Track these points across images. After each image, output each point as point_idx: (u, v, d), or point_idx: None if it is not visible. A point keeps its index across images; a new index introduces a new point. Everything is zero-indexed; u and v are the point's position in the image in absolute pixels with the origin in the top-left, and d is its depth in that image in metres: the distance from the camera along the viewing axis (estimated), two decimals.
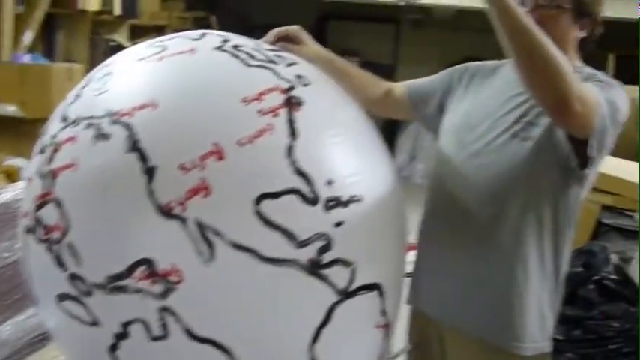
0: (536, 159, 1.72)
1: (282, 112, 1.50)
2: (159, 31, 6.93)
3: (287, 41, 1.84)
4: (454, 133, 1.87)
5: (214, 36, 1.71)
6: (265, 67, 1.60)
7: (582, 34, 1.82)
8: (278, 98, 1.52)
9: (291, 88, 1.56)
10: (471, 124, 1.83)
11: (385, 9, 8.32)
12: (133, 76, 1.60)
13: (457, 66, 2.00)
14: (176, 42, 1.68)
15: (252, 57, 1.61)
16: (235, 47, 1.64)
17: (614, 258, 3.20)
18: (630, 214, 3.79)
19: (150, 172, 1.41)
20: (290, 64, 1.65)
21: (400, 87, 2.06)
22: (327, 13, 9.72)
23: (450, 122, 1.91)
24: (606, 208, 3.85)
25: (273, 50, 1.71)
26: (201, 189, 1.39)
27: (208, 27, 7.42)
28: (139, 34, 6.72)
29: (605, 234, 3.83)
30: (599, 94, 1.63)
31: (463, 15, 7.85)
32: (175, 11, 7.54)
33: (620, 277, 3.05)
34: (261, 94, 1.51)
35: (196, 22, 7.54)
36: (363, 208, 1.54)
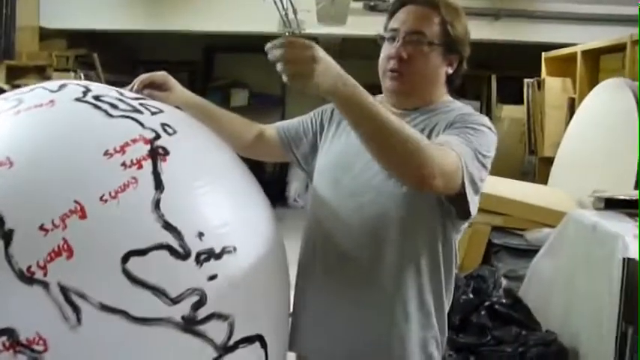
0: (413, 200, 1.71)
1: (147, 164, 1.44)
2: (39, 71, 6.74)
3: (153, 88, 1.78)
4: (330, 173, 1.85)
5: (75, 86, 1.64)
6: (129, 117, 1.54)
7: (451, 70, 1.82)
8: (142, 149, 1.46)
9: (156, 138, 1.50)
10: (346, 164, 1.81)
11: (271, 40, 8.31)
12: None
13: (327, 105, 1.97)
14: (34, 94, 1.60)
15: (114, 107, 1.56)
16: (97, 97, 1.58)
17: (504, 282, 3.25)
18: (519, 232, 3.90)
19: (7, 236, 1.32)
20: (155, 113, 1.60)
21: (271, 129, 2.03)
22: (213, 46, 9.68)
23: (325, 162, 1.89)
24: (496, 229, 3.95)
25: (137, 99, 1.66)
26: (64, 250, 1.32)
27: (92, 65, 7.22)
28: (17, 75, 6.49)
29: (496, 254, 3.92)
30: (461, 147, 1.60)
31: (349, 43, 7.91)
32: (56, 50, 7.29)
33: (510, 301, 3.10)
34: (125, 145, 1.45)
35: (79, 60, 7.35)
36: (238, 258, 1.50)
